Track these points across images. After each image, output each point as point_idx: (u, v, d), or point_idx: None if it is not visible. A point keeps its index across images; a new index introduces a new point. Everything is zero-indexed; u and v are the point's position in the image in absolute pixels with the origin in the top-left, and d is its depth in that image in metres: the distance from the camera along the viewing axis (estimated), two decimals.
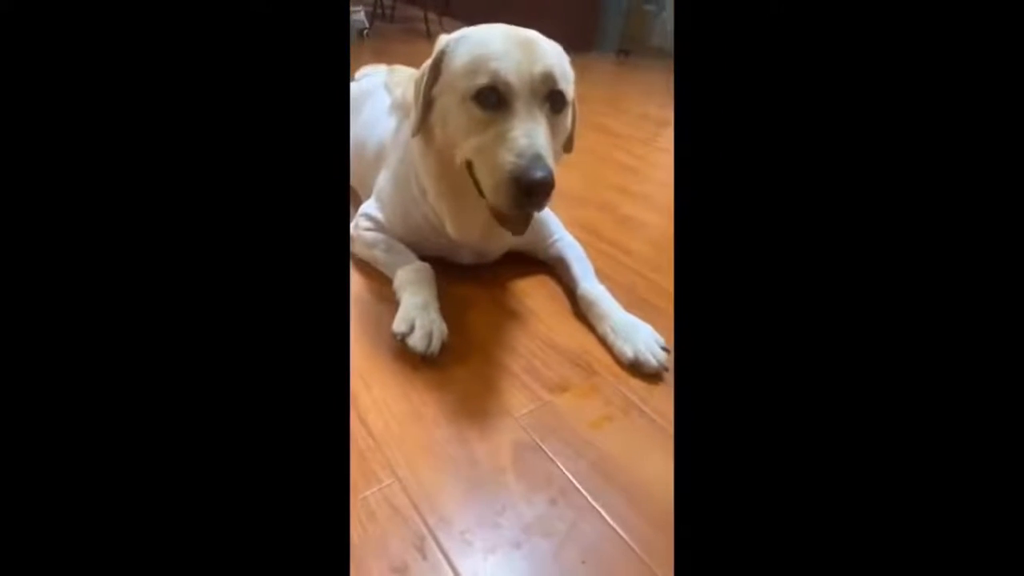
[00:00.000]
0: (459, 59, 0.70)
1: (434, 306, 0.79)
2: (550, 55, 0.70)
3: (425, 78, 0.73)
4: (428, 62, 0.74)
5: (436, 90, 0.73)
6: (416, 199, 0.86)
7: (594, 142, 1.92)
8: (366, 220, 0.91)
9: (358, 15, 3.22)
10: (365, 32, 3.22)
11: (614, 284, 0.95)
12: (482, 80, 0.66)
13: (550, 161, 0.64)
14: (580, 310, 0.88)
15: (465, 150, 0.69)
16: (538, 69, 0.67)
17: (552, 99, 0.69)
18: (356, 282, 0.90)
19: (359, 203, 1.03)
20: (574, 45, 4.64)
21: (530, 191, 0.62)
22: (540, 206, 0.65)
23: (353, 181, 1.15)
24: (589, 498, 0.59)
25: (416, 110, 0.74)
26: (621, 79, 3.37)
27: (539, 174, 0.61)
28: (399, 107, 0.93)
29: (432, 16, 3.82)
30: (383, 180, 0.92)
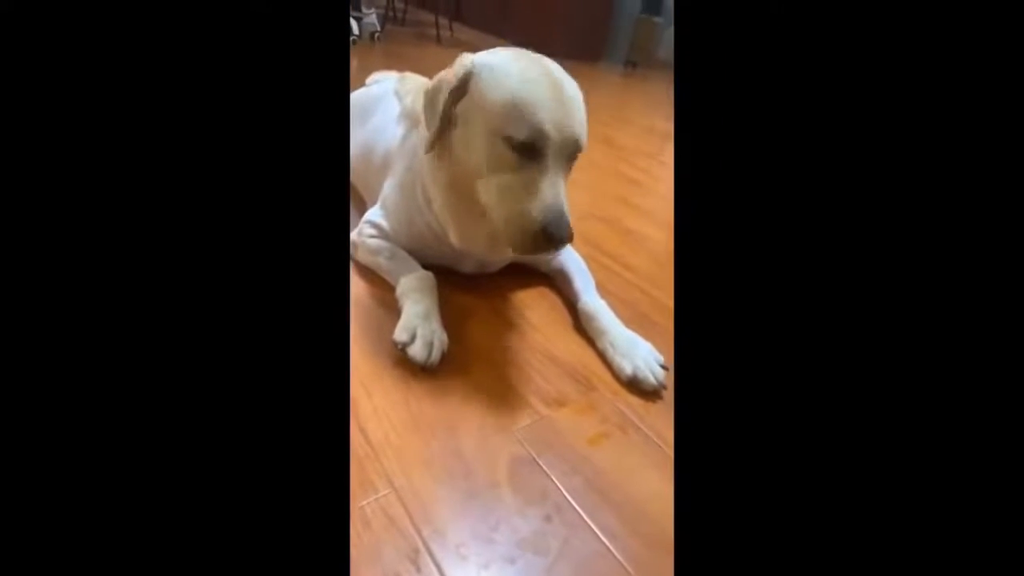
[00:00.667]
0: (497, 93, 0.69)
1: (435, 315, 0.79)
2: (583, 115, 0.73)
3: (446, 95, 0.72)
4: (448, 78, 0.73)
5: (460, 110, 0.73)
6: (421, 208, 0.86)
7: (599, 155, 1.93)
8: (370, 227, 0.92)
9: (370, 17, 3.24)
10: (377, 35, 3.23)
11: (615, 299, 0.96)
12: (524, 132, 0.67)
13: (568, 215, 0.68)
14: (580, 324, 0.88)
15: (488, 185, 0.71)
16: (575, 132, 0.70)
17: (574, 156, 0.72)
18: (359, 288, 0.90)
19: (365, 208, 1.04)
20: (582, 54, 4.64)
21: (550, 242, 0.66)
22: (553, 253, 0.69)
23: (359, 186, 1.15)
24: (584, 515, 0.59)
25: (433, 125, 0.74)
26: (628, 90, 3.39)
27: (563, 232, 0.67)
28: (408, 116, 0.94)
29: (443, 21, 3.84)
30: (388, 188, 0.93)
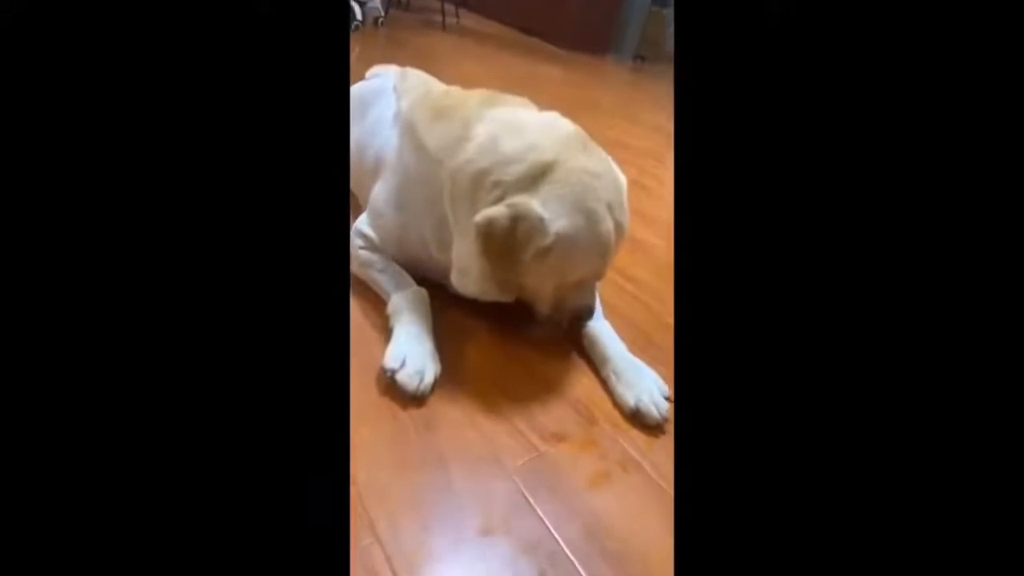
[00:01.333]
0: (579, 254, 0.71)
1: (428, 338, 0.74)
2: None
3: (526, 256, 0.69)
4: (527, 236, 0.67)
5: (530, 260, 0.70)
6: (416, 219, 0.81)
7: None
8: (360, 238, 0.86)
9: (374, 2, 3.15)
10: (380, 20, 3.15)
11: (617, 316, 0.91)
12: (588, 274, 0.76)
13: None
14: (584, 347, 0.84)
15: (544, 294, 0.78)
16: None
17: None
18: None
19: (357, 205, 0.99)
20: (590, 47, 4.54)
21: (578, 319, 0.81)
22: None
23: (352, 185, 1.09)
24: (580, 569, 0.55)
25: (499, 275, 0.72)
26: (636, 87, 3.32)
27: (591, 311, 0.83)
28: (403, 120, 0.88)
29: (449, 7, 3.75)
30: (379, 195, 0.87)
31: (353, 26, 2.78)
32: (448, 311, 0.85)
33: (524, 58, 3.33)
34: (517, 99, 0.84)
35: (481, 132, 0.72)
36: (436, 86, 0.98)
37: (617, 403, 0.75)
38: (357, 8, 2.83)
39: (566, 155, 0.71)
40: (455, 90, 0.89)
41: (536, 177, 0.68)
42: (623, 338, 0.84)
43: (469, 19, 4.27)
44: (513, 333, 0.85)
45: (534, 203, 0.67)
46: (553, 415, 0.72)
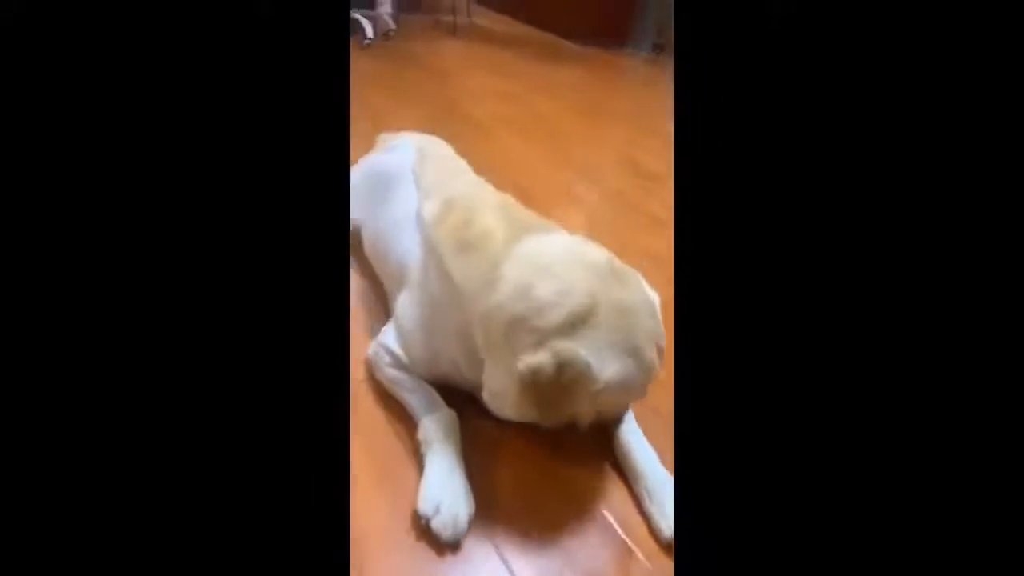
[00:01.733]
0: (629, 391, 0.73)
1: (460, 468, 0.74)
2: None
3: (566, 396, 0.68)
4: (573, 383, 0.66)
5: (578, 402, 0.69)
6: (446, 342, 0.80)
7: (623, 183, 1.81)
8: (387, 354, 0.86)
9: (384, 7, 3.07)
10: (390, 32, 3.08)
11: (650, 412, 0.90)
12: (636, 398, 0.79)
13: None
14: (616, 457, 0.83)
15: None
16: None
17: None
18: (376, 417, 0.85)
19: (382, 291, 0.97)
20: (606, 39, 4.39)
21: None
22: None
23: (377, 271, 1.08)
24: None
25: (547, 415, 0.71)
26: (653, 86, 3.21)
27: None
28: (425, 234, 0.86)
29: (460, 4, 3.64)
30: (405, 313, 0.86)
31: (364, 43, 2.73)
32: (479, 420, 0.84)
33: (537, 61, 3.25)
34: (543, 223, 0.82)
35: (509, 274, 0.71)
36: (458, 184, 0.96)
37: (651, 528, 0.75)
38: (367, 24, 2.77)
39: (602, 294, 0.69)
40: (478, 209, 0.84)
41: (576, 324, 0.67)
42: (648, 431, 0.84)
43: (482, 16, 4.16)
44: (546, 445, 0.84)
45: (580, 349, 0.66)
46: (589, 548, 0.72)
